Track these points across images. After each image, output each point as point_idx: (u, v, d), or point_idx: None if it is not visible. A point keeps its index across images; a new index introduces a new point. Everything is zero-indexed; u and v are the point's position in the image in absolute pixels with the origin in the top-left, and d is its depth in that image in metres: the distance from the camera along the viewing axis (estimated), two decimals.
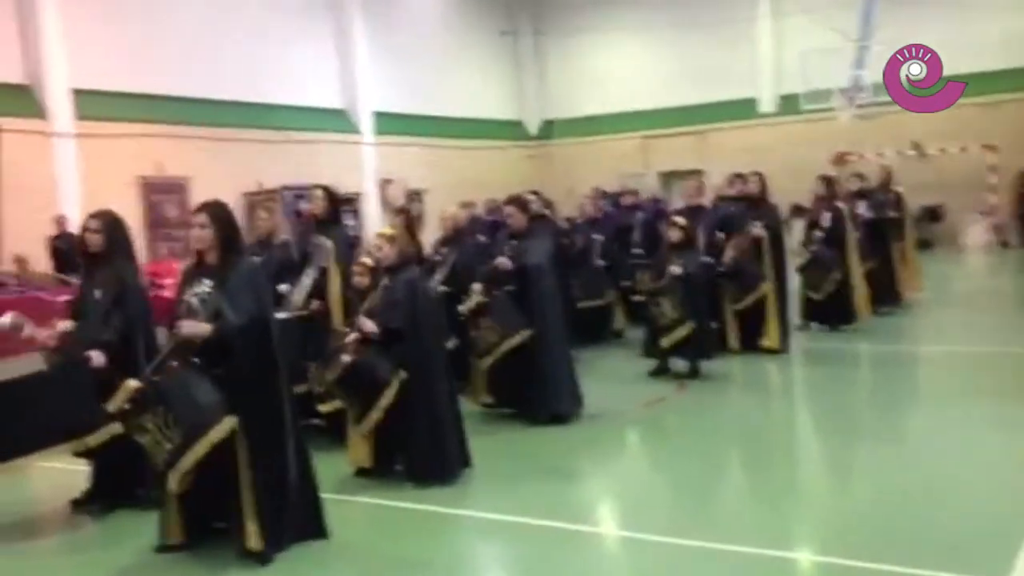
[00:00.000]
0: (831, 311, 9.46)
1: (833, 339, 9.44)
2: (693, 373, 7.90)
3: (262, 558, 4.21)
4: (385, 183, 19.78)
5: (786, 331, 8.74)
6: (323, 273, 6.63)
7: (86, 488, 5.19)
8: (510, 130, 24.05)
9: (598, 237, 9.68)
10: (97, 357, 4.76)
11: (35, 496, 5.57)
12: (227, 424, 4.12)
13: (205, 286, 4.30)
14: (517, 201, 7.05)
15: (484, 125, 22.74)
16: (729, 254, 8.45)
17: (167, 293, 12.34)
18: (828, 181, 9.64)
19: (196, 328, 4.16)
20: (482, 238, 9.21)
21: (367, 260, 5.83)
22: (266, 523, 4.21)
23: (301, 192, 17.33)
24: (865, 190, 10.53)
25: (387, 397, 5.28)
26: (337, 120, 19.27)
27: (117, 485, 5.04)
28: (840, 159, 19.36)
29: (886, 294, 10.29)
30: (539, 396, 6.63)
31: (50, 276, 12.43)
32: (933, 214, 19.49)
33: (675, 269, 7.73)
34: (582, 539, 4.59)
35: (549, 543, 4.56)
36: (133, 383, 4.03)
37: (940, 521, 4.52)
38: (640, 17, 22.59)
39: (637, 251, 9.80)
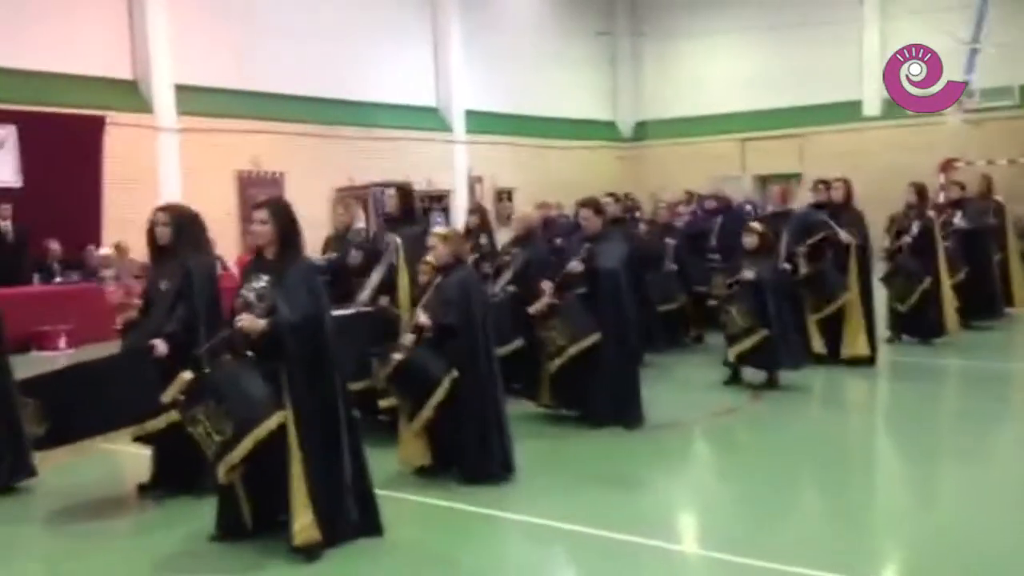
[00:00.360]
0: (919, 323, 9.09)
1: (921, 353, 9.06)
2: (770, 383, 7.69)
3: (311, 553, 4.25)
4: (475, 181, 19.90)
5: (873, 342, 8.41)
6: (392, 270, 6.72)
7: (151, 473, 5.34)
8: (603, 131, 23.88)
9: (670, 241, 9.58)
10: (160, 346, 4.88)
11: (101, 479, 5.75)
12: (276, 419, 4.17)
13: (263, 281, 4.38)
14: (591, 204, 6.95)
15: (576, 125, 22.64)
16: (808, 262, 8.20)
17: None
18: (919, 189, 9.25)
19: (252, 323, 4.24)
20: (559, 241, 9.22)
21: (431, 259, 5.86)
22: (320, 517, 4.24)
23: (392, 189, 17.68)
24: (963, 199, 10.06)
25: (438, 395, 5.28)
26: (430, 118, 19.47)
27: (178, 472, 5.16)
28: (947, 166, 18.55)
29: (983, 306, 9.81)
30: (603, 402, 6.54)
31: (146, 264, 12.92)
32: None
33: (747, 275, 7.54)
34: (634, 551, 4.46)
35: (599, 552, 4.48)
36: (187, 374, 4.14)
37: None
38: (741, 19, 22.12)
39: (713, 256, 9.60)
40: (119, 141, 14.09)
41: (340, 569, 4.27)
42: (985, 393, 7.72)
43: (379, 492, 5.18)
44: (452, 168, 19.68)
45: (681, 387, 7.92)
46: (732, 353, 7.67)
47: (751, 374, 7.82)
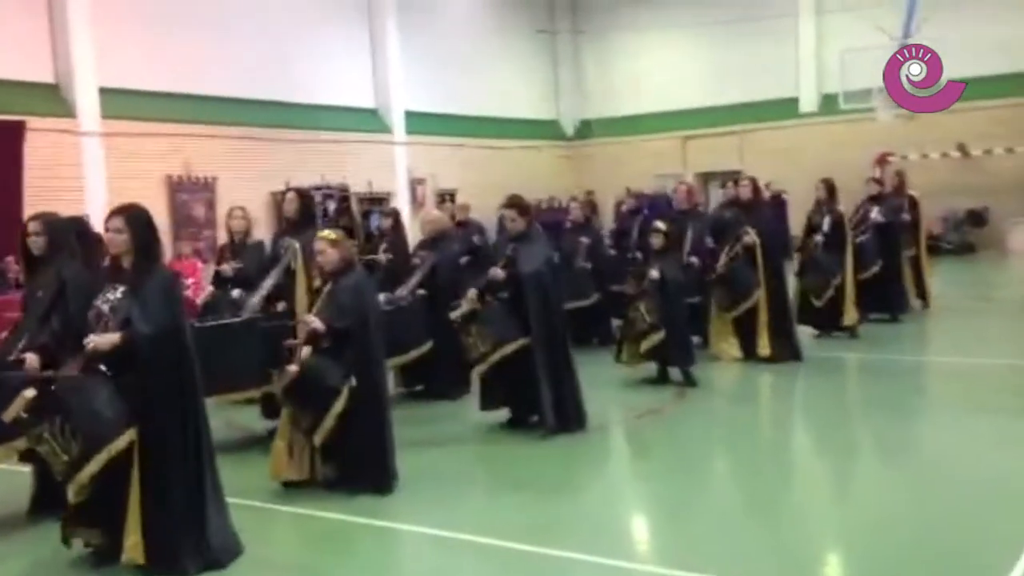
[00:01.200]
0: (828, 317, 9.17)
1: (833, 347, 9.13)
2: (688, 381, 7.69)
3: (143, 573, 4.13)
4: (416, 183, 19.76)
5: (785, 339, 8.43)
6: (292, 275, 6.58)
7: (31, 494, 5.17)
8: (546, 130, 23.84)
9: (584, 240, 9.60)
10: (32, 360, 4.68)
11: None
12: (127, 437, 4.04)
13: (118, 292, 4.24)
14: (516, 204, 6.76)
15: (519, 125, 22.57)
16: (722, 261, 8.22)
17: (188, 293, 12.58)
18: (828, 186, 9.31)
19: (103, 339, 4.09)
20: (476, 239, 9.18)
21: (320, 263, 5.73)
22: (151, 538, 4.10)
23: (330, 192, 17.48)
24: (881, 194, 10.15)
25: (339, 405, 5.17)
26: (369, 120, 19.28)
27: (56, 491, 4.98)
28: (882, 160, 18.76)
29: (895, 300, 9.92)
30: (534, 407, 6.43)
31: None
32: (978, 217, 18.78)
33: (653, 274, 7.54)
34: (521, 560, 4.35)
35: (486, 563, 4.40)
36: (29, 392, 3.98)
37: (938, 542, 4.31)
38: (680, 15, 22.19)
39: (633, 255, 9.61)
40: (40, 147, 13.71)
41: None
42: (903, 385, 7.75)
43: (256, 504, 5.15)
44: (393, 170, 19.51)
45: (604, 386, 7.85)
46: (642, 348, 7.65)
47: (675, 373, 7.82)
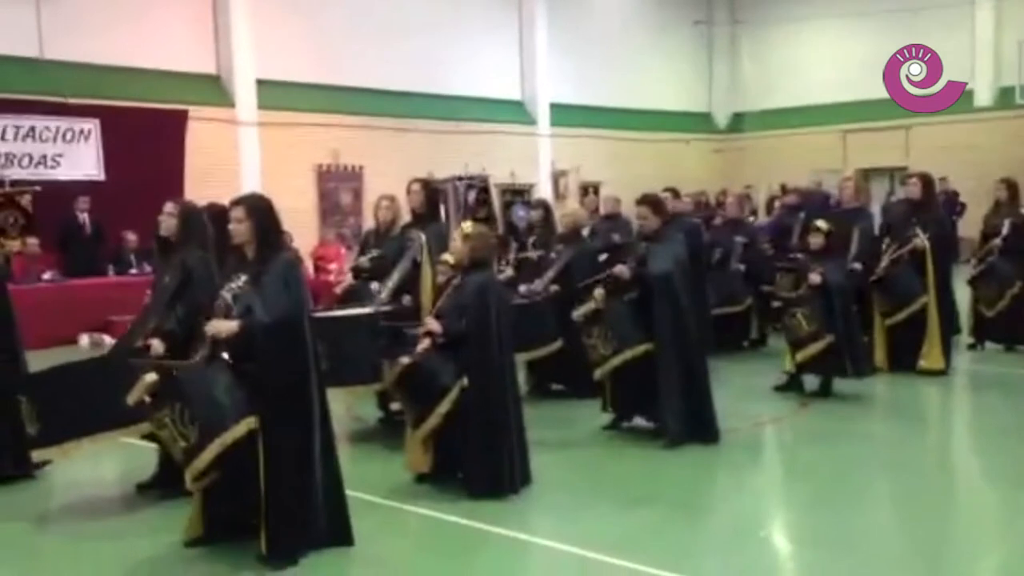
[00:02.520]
0: (1006, 329, 8.33)
1: (1005, 362, 8.30)
2: (823, 391, 7.15)
3: (271, 564, 4.06)
4: (559, 175, 19.56)
5: (947, 350, 7.74)
6: (417, 267, 6.48)
7: (153, 472, 5.25)
8: (697, 122, 23.15)
9: (739, 239, 9.02)
10: (157, 345, 4.74)
11: (106, 475, 5.73)
12: (244, 426, 3.99)
13: (240, 281, 4.20)
14: (649, 201, 6.38)
15: (668, 117, 22.00)
16: (884, 263, 7.58)
17: (332, 277, 12.85)
18: (1010, 185, 8.46)
19: (222, 326, 4.06)
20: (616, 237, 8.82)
21: (449, 257, 5.60)
22: (276, 529, 4.05)
23: (472, 183, 17.52)
24: None
25: (446, 403, 5.02)
26: (514, 111, 19.22)
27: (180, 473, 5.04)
28: None
29: None
30: (674, 416, 6.01)
31: None
32: None
33: (814, 278, 7.00)
34: (616, 574, 4.09)
35: (579, 574, 4.17)
36: (151, 376, 3.98)
37: None
38: (843, 4, 21.05)
39: (796, 255, 9.01)
40: (201, 135, 14.33)
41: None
42: None
43: (378, 500, 5.04)
44: (536, 162, 19.38)
45: (734, 393, 7.41)
46: (797, 358, 7.14)
47: (809, 381, 7.29)
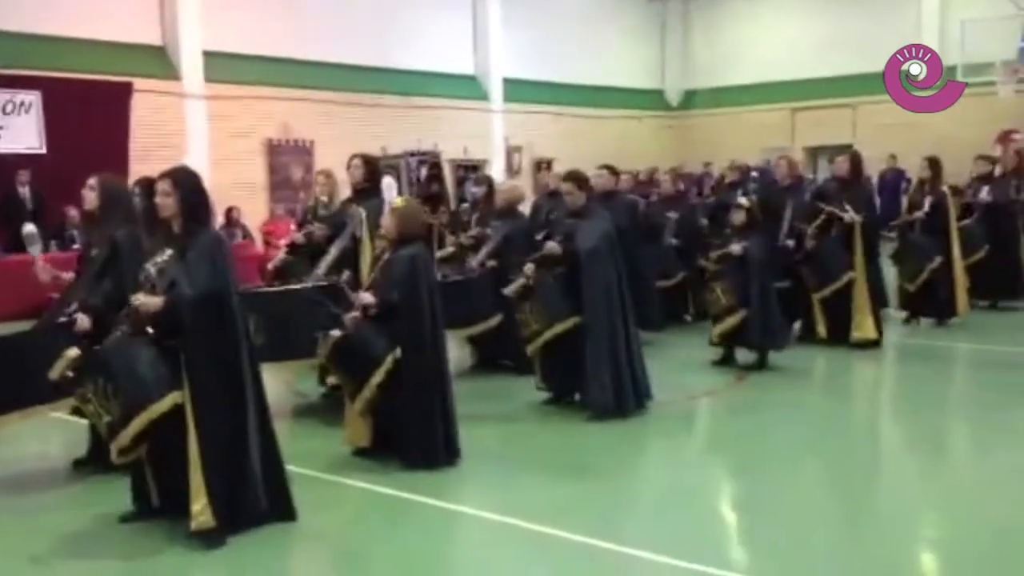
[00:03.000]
0: (930, 303, 8.61)
1: (933, 335, 8.60)
2: (759, 364, 7.34)
3: (210, 539, 4.10)
4: (512, 151, 19.59)
5: (878, 324, 7.98)
6: (357, 243, 6.51)
7: (88, 447, 5.26)
8: (649, 99, 23.26)
9: (672, 215, 9.23)
10: (82, 320, 4.72)
11: (42, 451, 5.73)
12: (169, 400, 4.02)
13: (165, 255, 4.22)
14: (574, 177, 6.54)
15: (621, 94, 22.09)
16: (809, 234, 7.79)
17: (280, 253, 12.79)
18: (932, 164, 8.71)
19: (148, 300, 4.08)
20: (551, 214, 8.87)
21: (383, 232, 5.64)
22: (215, 502, 4.07)
23: (424, 158, 17.48)
24: (991, 174, 9.46)
25: (379, 375, 5.09)
26: (467, 86, 19.16)
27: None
28: (1005, 138, 17.59)
29: (1005, 286, 9.26)
30: (597, 389, 6.15)
31: None
32: None
33: (735, 249, 7.19)
34: (552, 544, 4.21)
35: (526, 547, 4.26)
36: (73, 351, 4.00)
37: None
38: None
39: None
40: (146, 108, 14.13)
41: (241, 557, 4.11)
42: (996, 379, 7.22)
43: (318, 475, 5.12)
44: (490, 137, 19.38)
45: (669, 367, 7.58)
46: (715, 332, 7.36)
47: (744, 355, 7.49)
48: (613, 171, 8.45)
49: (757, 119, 21.90)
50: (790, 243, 7.87)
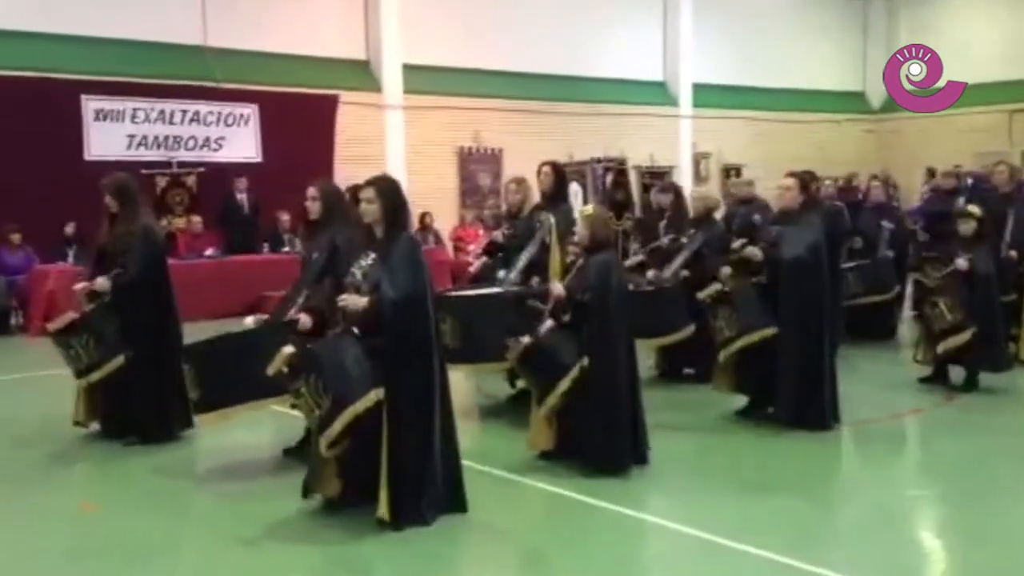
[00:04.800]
0: None
1: None
2: (969, 385, 6.88)
3: (393, 526, 4.32)
4: (700, 157, 19.28)
5: None
6: (544, 249, 6.62)
7: (300, 438, 5.60)
8: (848, 102, 22.23)
9: (887, 224, 8.75)
10: (304, 320, 5.01)
11: (259, 441, 6.13)
12: (373, 396, 4.25)
13: (370, 259, 4.46)
14: (797, 175, 6.31)
15: (817, 97, 21.22)
16: None
17: (469, 258, 13.19)
18: None
19: (353, 301, 4.33)
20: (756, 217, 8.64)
21: (576, 239, 5.71)
22: (397, 495, 4.29)
23: (610, 165, 17.51)
24: None
25: (566, 382, 5.14)
26: (655, 92, 19.03)
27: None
28: None
29: None
30: (786, 401, 6.03)
31: None
32: None
33: (961, 263, 6.74)
34: (744, 560, 4.11)
35: (705, 558, 4.20)
36: (288, 349, 4.28)
37: None
38: None
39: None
40: (350, 118, 14.95)
41: (426, 549, 4.27)
42: None
43: (501, 474, 5.25)
44: (676, 144, 19.16)
45: (873, 383, 7.24)
46: (939, 350, 6.90)
47: (955, 373, 7.04)
48: (813, 176, 8.11)
49: (969, 122, 20.46)
50: (1013, 254, 7.31)
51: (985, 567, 4.08)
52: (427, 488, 4.40)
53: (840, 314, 7.84)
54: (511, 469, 5.34)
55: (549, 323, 5.31)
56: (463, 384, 7.59)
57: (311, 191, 5.52)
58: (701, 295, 6.35)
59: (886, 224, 8.90)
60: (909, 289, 9.28)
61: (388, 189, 4.49)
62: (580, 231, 5.36)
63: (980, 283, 6.74)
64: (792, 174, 6.25)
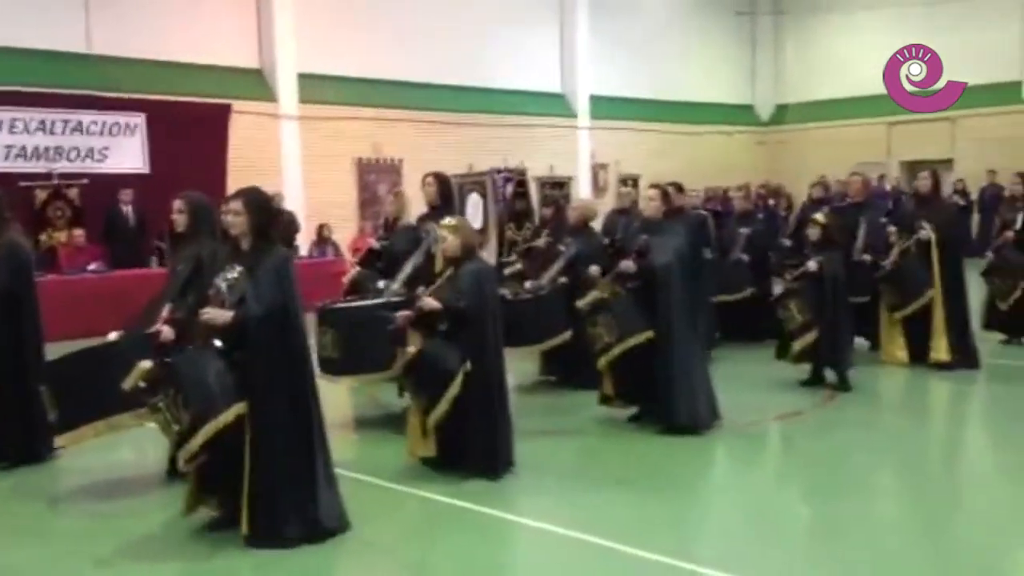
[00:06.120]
0: (1017, 322, 8.30)
1: (1014, 355, 8.29)
2: (841, 385, 7.22)
3: (251, 544, 4.30)
4: (598, 168, 19.63)
5: (962, 344, 7.74)
6: (431, 259, 6.67)
7: (169, 457, 5.49)
8: (739, 115, 22.99)
9: (744, 230, 9.17)
10: (166, 332, 4.98)
11: (138, 459, 6.02)
12: (235, 411, 4.22)
13: (235, 272, 4.43)
14: (660, 187, 6.60)
15: (709, 109, 21.89)
16: (892, 257, 7.63)
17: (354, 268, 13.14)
18: None
19: (216, 315, 4.30)
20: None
21: (444, 250, 5.77)
22: (259, 512, 4.27)
23: (510, 176, 17.69)
24: None
25: (454, 388, 5.19)
26: (554, 104, 19.30)
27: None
28: None
29: None
30: (669, 401, 6.21)
31: None
32: None
33: (811, 265, 7.10)
34: (627, 563, 4.19)
35: (582, 559, 4.29)
36: (146, 363, 4.23)
37: None
38: None
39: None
40: (243, 129, 14.72)
41: (301, 565, 4.25)
42: None
43: (381, 484, 5.28)
44: (576, 155, 19.48)
45: (752, 385, 7.50)
46: (793, 350, 7.24)
47: (830, 374, 7.37)
48: (679, 188, 8.44)
49: (852, 134, 21.40)
50: (867, 258, 7.75)
51: (852, 558, 4.24)
52: (296, 504, 4.36)
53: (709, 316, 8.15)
54: (391, 477, 5.37)
55: (405, 312, 5.34)
56: (352, 396, 7.59)
57: (177, 203, 5.46)
58: (580, 303, 6.50)
59: (743, 230, 9.30)
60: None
61: (256, 202, 4.47)
62: (450, 242, 5.41)
63: (828, 284, 7.07)
64: (655, 186, 6.54)
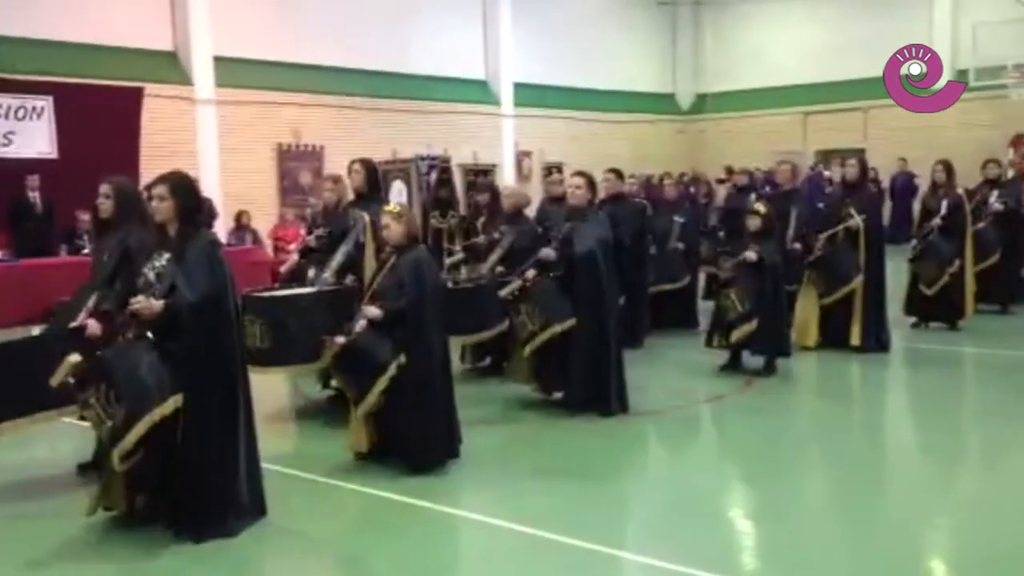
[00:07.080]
0: (943, 307, 8.55)
1: (934, 339, 8.54)
2: (768, 370, 7.30)
3: (193, 539, 4.14)
4: (522, 156, 19.59)
5: (879, 329, 7.94)
6: (361, 248, 6.52)
7: (94, 452, 5.25)
8: (660, 104, 23.22)
9: (678, 219, 9.23)
10: (92, 326, 4.73)
11: (52, 456, 5.72)
12: (171, 403, 4.04)
13: (163, 259, 4.23)
14: (586, 175, 6.60)
15: (632, 98, 22.05)
16: (820, 244, 7.76)
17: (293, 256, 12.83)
18: (947, 167, 8.67)
19: (147, 305, 4.10)
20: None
21: (385, 238, 5.63)
22: (196, 506, 4.13)
23: (434, 163, 17.51)
24: (1000, 178, 9.41)
25: (384, 381, 5.07)
26: (478, 91, 19.18)
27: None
28: (1018, 142, 17.50)
29: (1009, 291, 9.21)
30: (579, 387, 6.27)
31: None
32: None
33: (750, 255, 7.15)
34: (562, 552, 4.16)
35: (520, 549, 4.24)
36: (74, 358, 4.00)
37: None
38: None
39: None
40: (157, 113, 14.19)
41: (239, 561, 4.13)
42: (1005, 383, 7.16)
43: (317, 479, 5.14)
44: (499, 142, 19.39)
45: (677, 371, 7.56)
46: (733, 338, 7.30)
47: (750, 360, 7.45)
48: (619, 175, 8.45)
49: (768, 123, 21.85)
50: (797, 247, 7.85)
51: (774, 538, 4.34)
52: (231, 497, 4.22)
53: (645, 303, 8.19)
54: (326, 472, 5.23)
55: (363, 323, 5.21)
56: (279, 386, 7.40)
57: (103, 188, 5.20)
58: (502, 293, 6.45)
59: (677, 219, 9.38)
60: (703, 280, 9.85)
61: (181, 186, 4.28)
62: (393, 229, 5.28)
63: (768, 274, 7.16)
64: (580, 173, 6.51)
